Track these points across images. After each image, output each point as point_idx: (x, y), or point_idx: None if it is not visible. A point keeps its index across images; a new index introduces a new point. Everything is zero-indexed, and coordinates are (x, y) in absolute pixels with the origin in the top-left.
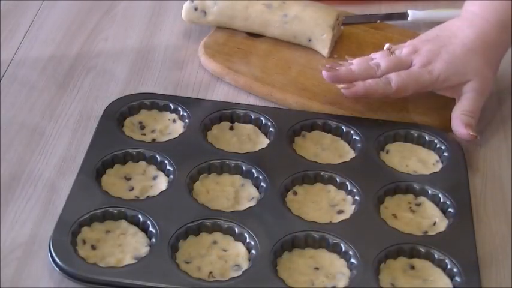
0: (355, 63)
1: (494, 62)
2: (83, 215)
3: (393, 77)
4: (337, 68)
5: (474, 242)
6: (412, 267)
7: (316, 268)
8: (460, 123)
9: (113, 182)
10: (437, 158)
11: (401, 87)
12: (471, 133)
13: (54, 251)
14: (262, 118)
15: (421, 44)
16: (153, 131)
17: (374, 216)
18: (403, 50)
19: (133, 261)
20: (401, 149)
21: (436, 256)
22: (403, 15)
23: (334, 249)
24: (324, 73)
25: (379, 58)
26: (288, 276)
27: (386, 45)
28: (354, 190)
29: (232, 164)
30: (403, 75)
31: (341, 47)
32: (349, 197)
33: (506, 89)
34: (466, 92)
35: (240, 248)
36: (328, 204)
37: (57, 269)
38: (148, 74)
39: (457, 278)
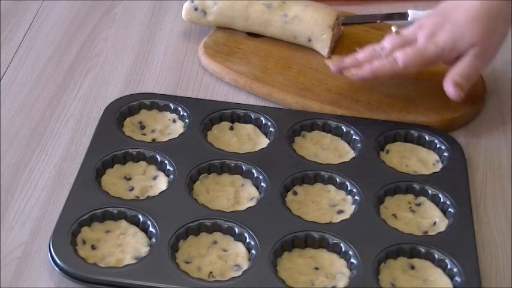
0: (361, 51)
1: (499, 31)
2: (83, 215)
3: (399, 54)
4: (343, 59)
5: (474, 242)
6: (412, 267)
7: (316, 268)
8: (450, 82)
9: (113, 182)
10: (437, 158)
11: (409, 63)
12: (457, 91)
13: (54, 251)
14: (262, 118)
15: (425, 19)
16: (153, 131)
17: (374, 216)
18: (409, 28)
19: (134, 261)
20: (401, 149)
21: (436, 256)
22: (403, 15)
23: (334, 249)
24: (331, 66)
25: (385, 40)
26: (288, 276)
27: (394, 28)
28: (354, 190)
29: (232, 164)
30: (408, 51)
31: (341, 47)
32: (349, 197)
33: (506, 89)
34: (466, 55)
35: (240, 248)
36: (328, 204)
37: (57, 269)
38: (148, 74)
39: (457, 278)
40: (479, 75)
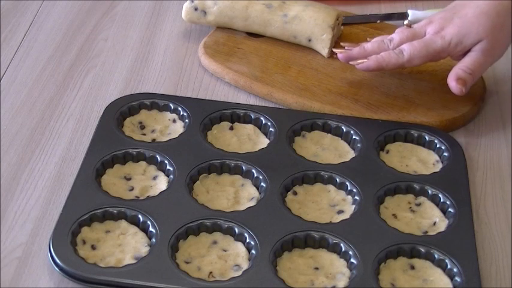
0: (370, 42)
1: (508, 28)
2: (83, 215)
3: (405, 46)
4: (351, 49)
5: (474, 242)
6: (412, 267)
7: (316, 268)
8: (453, 75)
9: (113, 182)
10: (437, 158)
11: (414, 55)
12: (459, 86)
13: (54, 250)
14: (262, 118)
15: (436, 15)
16: (153, 131)
17: (374, 216)
18: (420, 23)
19: (134, 261)
20: (401, 149)
21: (436, 256)
22: (403, 15)
23: (334, 249)
24: (339, 54)
25: (394, 33)
26: (288, 276)
27: (406, 21)
28: (354, 190)
29: (232, 164)
30: (415, 43)
31: (341, 47)
32: (349, 197)
33: (506, 89)
34: (473, 51)
35: (240, 248)
36: (328, 204)
37: (57, 269)
38: (148, 74)
39: (457, 278)
40: (485, 70)
